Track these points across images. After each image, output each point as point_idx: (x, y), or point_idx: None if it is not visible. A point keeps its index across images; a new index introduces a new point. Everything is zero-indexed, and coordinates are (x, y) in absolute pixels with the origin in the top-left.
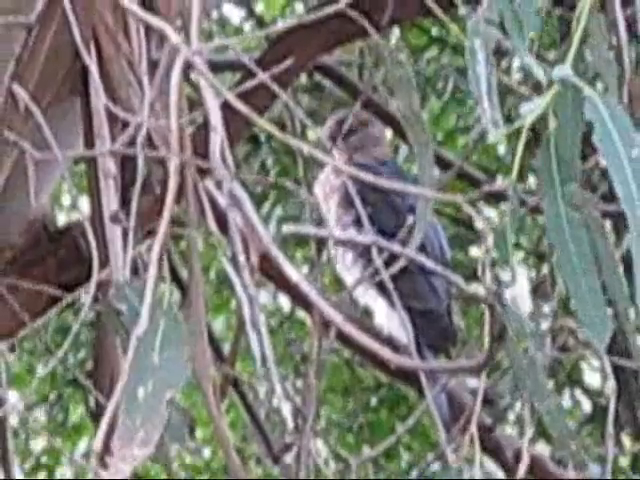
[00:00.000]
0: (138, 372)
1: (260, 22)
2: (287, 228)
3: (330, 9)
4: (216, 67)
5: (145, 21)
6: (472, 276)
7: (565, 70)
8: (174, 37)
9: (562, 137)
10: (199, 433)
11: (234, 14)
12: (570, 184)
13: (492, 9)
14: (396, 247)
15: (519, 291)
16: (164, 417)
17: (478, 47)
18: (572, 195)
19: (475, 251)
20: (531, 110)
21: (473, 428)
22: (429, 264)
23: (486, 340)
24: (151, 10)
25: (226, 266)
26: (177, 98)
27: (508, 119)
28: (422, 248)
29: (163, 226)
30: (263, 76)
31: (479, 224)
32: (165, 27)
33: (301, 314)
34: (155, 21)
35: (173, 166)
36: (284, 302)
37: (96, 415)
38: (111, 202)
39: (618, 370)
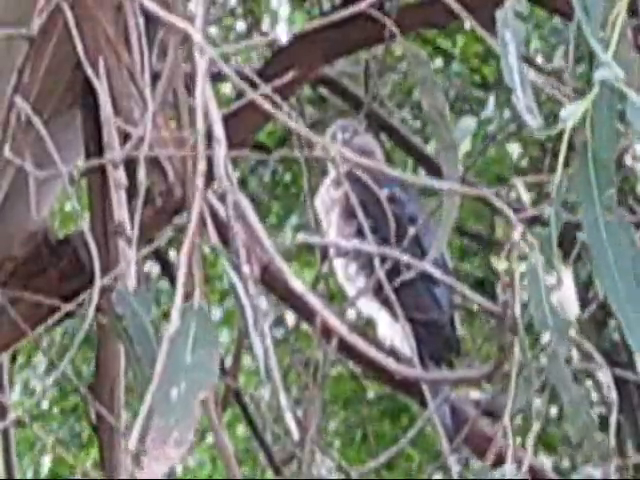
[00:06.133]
0: (171, 373)
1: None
2: (299, 237)
3: (350, 10)
4: (218, 78)
5: (168, 23)
6: (476, 287)
7: (606, 72)
8: (198, 37)
9: (600, 141)
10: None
11: (238, 25)
12: (608, 189)
13: (520, 1)
14: (403, 257)
15: (566, 294)
16: (197, 417)
17: (509, 38)
18: (610, 200)
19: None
20: (571, 113)
21: (509, 437)
22: (437, 274)
23: (490, 350)
24: (152, 20)
25: (230, 275)
26: (204, 100)
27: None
28: (423, 258)
29: (191, 230)
30: (266, 88)
31: (498, 229)
32: (189, 28)
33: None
34: (178, 22)
35: (200, 169)
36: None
37: (96, 426)
38: (122, 213)
39: (620, 382)
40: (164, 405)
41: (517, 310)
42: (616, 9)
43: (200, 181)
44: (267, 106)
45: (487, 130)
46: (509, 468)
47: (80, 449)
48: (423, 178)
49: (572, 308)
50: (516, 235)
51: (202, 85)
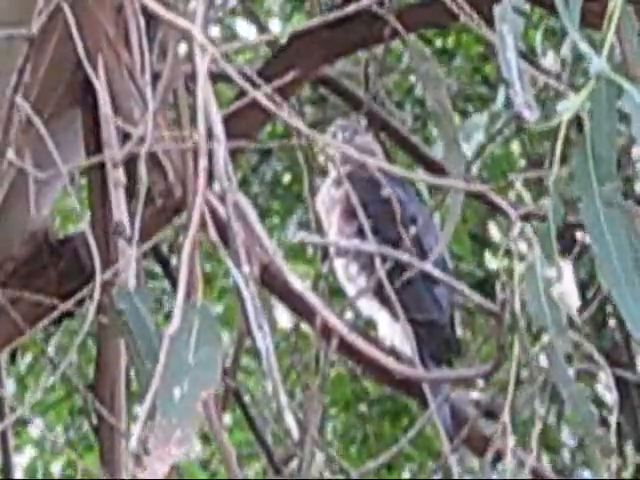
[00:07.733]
0: (173, 372)
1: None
2: (297, 236)
3: (350, 10)
4: (219, 78)
5: (170, 23)
6: (477, 287)
7: (601, 64)
8: (200, 37)
9: (598, 134)
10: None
11: (245, 30)
12: (607, 182)
13: None
14: (404, 257)
15: (566, 288)
16: (200, 417)
17: (506, 32)
18: (609, 193)
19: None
20: (568, 107)
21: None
22: (437, 274)
23: (490, 350)
24: (152, 20)
25: (233, 273)
26: (205, 100)
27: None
28: (423, 258)
29: (192, 229)
30: (266, 89)
31: (497, 229)
32: (192, 27)
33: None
34: (181, 22)
35: (202, 165)
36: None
37: (96, 427)
38: (121, 212)
39: (620, 382)
40: (167, 404)
41: (517, 307)
42: (612, 3)
43: (201, 180)
44: (269, 104)
45: (496, 126)
46: (509, 466)
47: (88, 450)
48: (425, 176)
49: (573, 301)
50: (515, 232)
51: (203, 84)
